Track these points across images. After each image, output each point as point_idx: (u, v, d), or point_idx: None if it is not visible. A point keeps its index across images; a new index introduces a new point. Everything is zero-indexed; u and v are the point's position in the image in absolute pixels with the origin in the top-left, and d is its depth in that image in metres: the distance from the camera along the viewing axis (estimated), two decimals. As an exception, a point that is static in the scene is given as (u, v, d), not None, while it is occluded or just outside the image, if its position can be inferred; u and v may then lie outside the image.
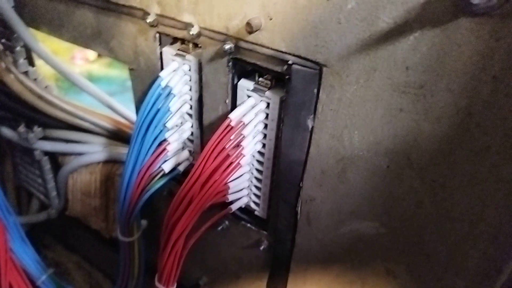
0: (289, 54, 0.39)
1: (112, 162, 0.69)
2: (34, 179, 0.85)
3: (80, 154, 0.71)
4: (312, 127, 0.42)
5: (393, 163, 0.38)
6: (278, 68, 0.41)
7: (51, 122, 0.71)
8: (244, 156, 0.46)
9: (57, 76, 0.78)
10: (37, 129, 0.74)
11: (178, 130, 0.54)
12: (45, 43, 0.67)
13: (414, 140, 0.36)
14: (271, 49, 0.40)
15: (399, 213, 0.40)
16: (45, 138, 0.75)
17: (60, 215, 0.86)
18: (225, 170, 0.45)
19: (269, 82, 0.45)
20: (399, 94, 0.35)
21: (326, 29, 0.36)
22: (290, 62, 0.40)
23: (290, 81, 0.40)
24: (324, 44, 0.37)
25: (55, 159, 0.78)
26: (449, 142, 0.34)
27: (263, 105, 0.45)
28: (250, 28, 0.39)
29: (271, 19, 0.39)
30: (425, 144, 0.35)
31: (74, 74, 0.66)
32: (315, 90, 0.39)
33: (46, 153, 0.78)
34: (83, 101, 0.73)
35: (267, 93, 0.44)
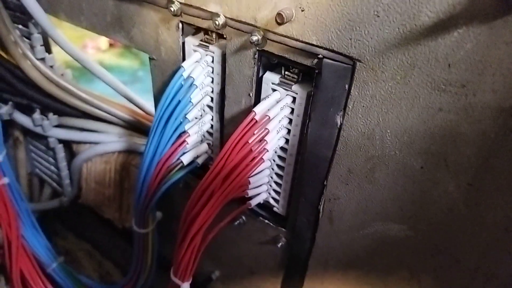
0: (320, 47, 0.38)
1: (128, 153, 0.68)
2: (48, 166, 0.85)
3: (95, 143, 0.70)
4: (341, 124, 0.40)
5: (427, 164, 0.36)
6: (307, 62, 0.40)
7: (66, 110, 0.71)
8: (267, 151, 0.44)
9: (69, 63, 0.77)
10: (52, 116, 0.73)
11: (198, 123, 0.52)
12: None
13: (452, 141, 0.34)
14: (301, 41, 0.39)
15: (429, 217, 0.39)
16: (60, 125, 0.74)
17: (72, 203, 0.86)
18: (248, 164, 0.44)
19: (295, 76, 0.44)
20: (439, 92, 0.33)
21: (363, 22, 0.34)
22: (320, 56, 0.38)
23: (320, 75, 0.39)
24: (359, 38, 0.35)
25: (70, 147, 0.78)
26: (490, 145, 0.33)
27: (289, 100, 0.44)
28: (281, 19, 0.38)
29: (303, 10, 0.37)
30: (463, 146, 0.34)
31: (91, 61, 0.65)
32: (347, 86, 0.38)
33: (60, 141, 0.78)
34: (95, 90, 0.72)
35: (294, 87, 0.43)
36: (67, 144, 0.78)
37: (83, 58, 0.65)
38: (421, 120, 0.35)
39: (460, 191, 0.36)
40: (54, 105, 0.70)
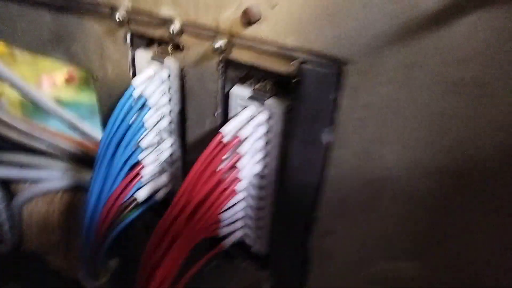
0: (298, 50, 0.31)
1: (75, 190, 0.58)
2: (-16, 211, 0.73)
3: (36, 181, 0.60)
4: (329, 143, 0.33)
5: (439, 186, 0.30)
6: (282, 69, 0.33)
7: (1, 144, 0.60)
8: (240, 180, 0.36)
9: (23, 100, 0.68)
10: (-15, 153, 0.62)
11: (154, 150, 0.44)
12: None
13: (468, 156, 0.28)
14: (275, 44, 0.32)
15: (448, 249, 0.32)
16: (-5, 163, 0.63)
17: (15, 251, 0.74)
18: (217, 198, 0.36)
19: (269, 89, 0.37)
20: (449, 95, 0.27)
21: (349, 15, 0.28)
22: (298, 60, 0.31)
23: (300, 85, 0.32)
24: (345, 35, 0.28)
25: (7, 187, 0.67)
26: (516, 158, 0.26)
27: (263, 117, 0.36)
28: (247, 19, 0.31)
29: (274, 7, 0.30)
30: (483, 161, 0.27)
31: (34, 92, 0.56)
32: (333, 95, 0.31)
33: (-4, 180, 0.67)
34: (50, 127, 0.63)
35: (268, 101, 0.36)
36: (4, 184, 0.67)
37: (25, 89, 0.56)
38: (428, 131, 0.28)
39: (483, 218, 0.29)
40: (-14, 139, 0.60)
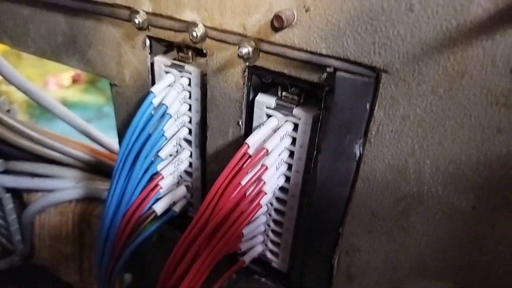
0: (332, 57, 0.29)
1: (88, 200, 0.57)
2: (-6, 220, 0.71)
3: (48, 190, 0.58)
4: (361, 155, 0.31)
5: (482, 203, 0.28)
6: (313, 78, 0.31)
7: (14, 152, 0.59)
8: (265, 194, 0.35)
9: (30, 102, 0.67)
10: (-3, 161, 0.61)
11: (173, 161, 0.42)
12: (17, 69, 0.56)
13: (516, 171, 0.26)
14: (306, 51, 0.30)
15: (484, 270, 0.30)
16: (6, 171, 0.63)
17: (26, 262, 0.72)
18: (242, 212, 0.34)
19: (296, 97, 0.35)
20: (497, 108, 0.25)
21: (390, 20, 0.26)
22: (332, 68, 0.29)
23: (332, 94, 0.30)
24: (385, 41, 0.27)
25: (20, 196, 0.65)
26: None
27: (289, 127, 0.35)
28: (279, 24, 0.29)
29: (307, 11, 0.29)
30: (534, 178, 0.25)
31: (43, 95, 0.55)
32: (368, 105, 0.29)
33: (8, 189, 0.65)
34: (56, 129, 0.62)
35: (295, 111, 0.34)
36: (17, 193, 0.66)
37: (33, 91, 0.54)
38: (473, 145, 0.26)
39: (525, 236, 0.27)
40: (-2, 147, 0.59)
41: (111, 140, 0.61)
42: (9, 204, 0.67)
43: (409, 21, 0.25)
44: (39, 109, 0.62)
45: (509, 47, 0.23)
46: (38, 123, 0.68)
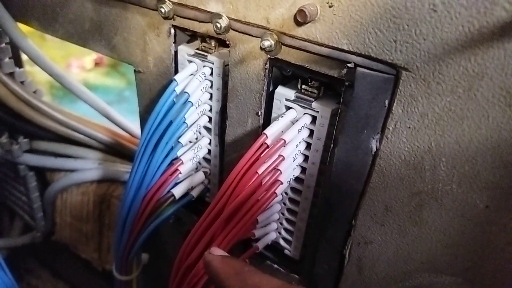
0: (353, 53, 0.30)
1: (109, 182, 0.59)
2: (18, 196, 0.74)
3: (71, 170, 0.60)
4: (377, 150, 0.32)
5: (494, 202, 0.28)
6: (333, 73, 0.32)
7: (39, 133, 0.61)
8: (281, 183, 0.36)
9: (52, 83, 0.68)
10: (23, 140, 0.64)
11: (193, 147, 0.44)
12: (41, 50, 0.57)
13: (532, 173, 0.26)
14: (328, 46, 0.31)
15: (494, 268, 0.30)
16: (31, 150, 0.65)
17: (47, 238, 0.75)
18: (257, 201, 0.35)
19: (315, 91, 0.36)
20: (516, 109, 0.25)
21: (413, 19, 0.26)
22: (352, 64, 0.30)
23: (352, 89, 0.31)
24: (407, 39, 0.27)
25: (43, 175, 0.68)
26: None
27: (307, 120, 0.35)
28: (302, 18, 0.30)
29: (331, 6, 0.29)
30: (549, 180, 0.26)
31: (67, 77, 0.56)
32: (387, 102, 0.30)
33: (32, 168, 0.68)
34: (78, 111, 0.64)
35: (314, 104, 0.35)
36: (40, 172, 0.68)
37: (57, 72, 0.56)
38: (489, 145, 0.27)
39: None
40: (24, 127, 0.61)
41: (131, 123, 0.62)
42: (32, 182, 0.70)
43: (432, 21, 0.26)
44: (62, 90, 0.63)
45: (530, 51, 0.24)
46: (60, 104, 0.70)
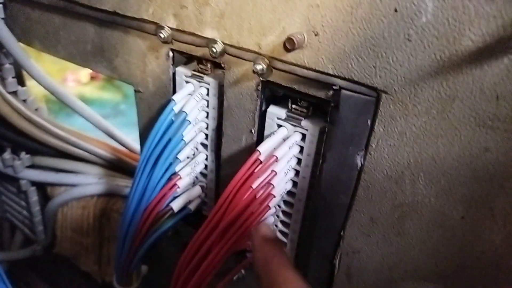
0: (338, 77, 0.32)
1: (109, 196, 0.60)
2: (19, 210, 0.76)
3: (72, 185, 0.62)
4: (362, 166, 0.34)
5: (469, 213, 0.31)
6: (320, 94, 0.34)
7: (40, 149, 0.63)
8: (274, 197, 0.38)
9: (48, 97, 0.70)
10: (25, 156, 0.66)
11: (190, 163, 0.46)
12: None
13: (499, 186, 0.29)
14: (314, 70, 0.33)
15: (471, 274, 0.32)
16: (33, 166, 0.67)
17: (47, 251, 0.77)
18: (252, 213, 0.37)
19: (305, 110, 0.38)
20: (485, 130, 0.28)
21: (390, 48, 0.29)
22: (337, 87, 0.33)
23: (337, 109, 0.33)
24: (386, 65, 0.30)
25: (44, 190, 0.70)
26: (551, 191, 0.27)
27: (298, 137, 0.38)
28: (291, 45, 0.32)
29: (316, 35, 0.32)
30: (517, 193, 0.28)
31: (68, 95, 0.59)
32: (369, 121, 0.32)
33: (33, 183, 0.70)
34: (74, 125, 0.66)
35: (304, 122, 0.37)
36: (41, 187, 0.70)
37: (59, 91, 0.58)
38: (462, 162, 0.29)
39: (508, 244, 0.30)
40: (26, 143, 0.63)
41: (127, 136, 0.64)
42: (33, 197, 0.71)
43: (407, 49, 0.28)
44: (58, 104, 0.65)
45: (495, 77, 0.26)
46: (56, 117, 0.72)
